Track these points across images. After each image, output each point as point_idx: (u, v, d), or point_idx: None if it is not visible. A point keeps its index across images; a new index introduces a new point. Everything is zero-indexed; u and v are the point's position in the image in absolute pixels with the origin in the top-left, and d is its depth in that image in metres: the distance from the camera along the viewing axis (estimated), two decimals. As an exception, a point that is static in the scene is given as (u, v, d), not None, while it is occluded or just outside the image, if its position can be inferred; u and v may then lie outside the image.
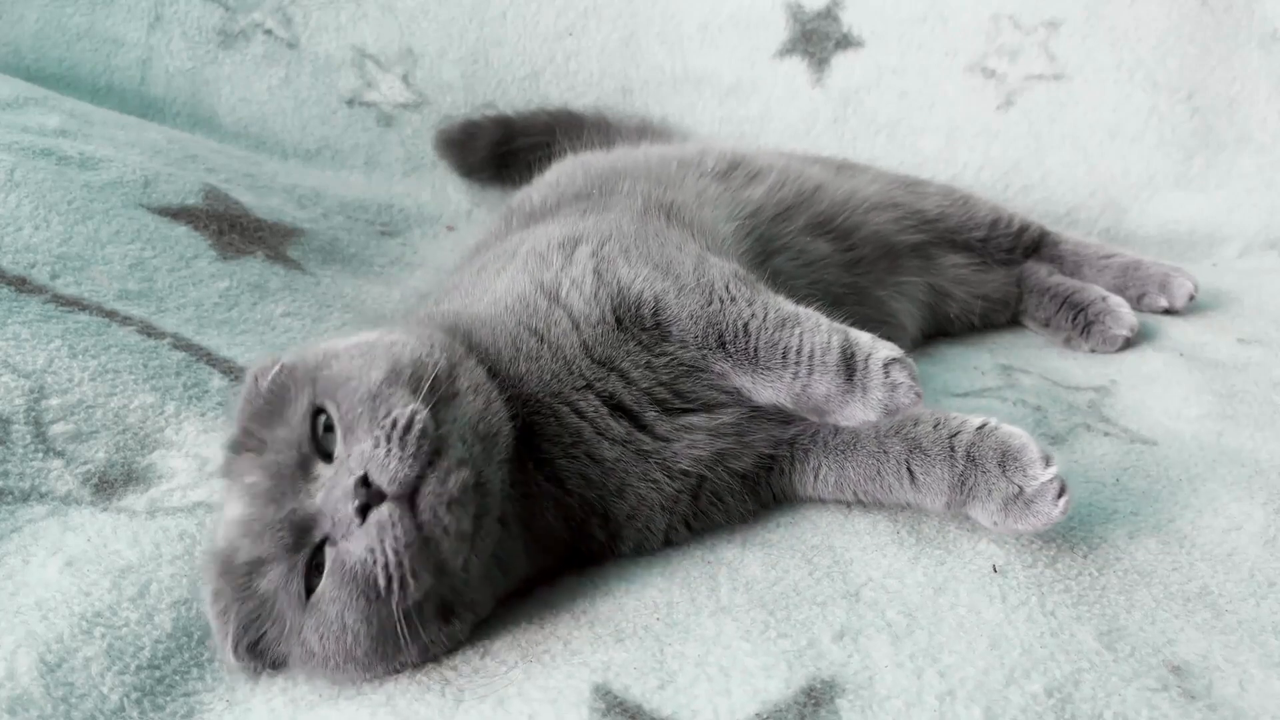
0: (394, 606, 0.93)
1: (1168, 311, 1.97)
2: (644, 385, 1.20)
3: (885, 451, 1.17)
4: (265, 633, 0.98)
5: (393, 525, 0.92)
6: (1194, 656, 0.95)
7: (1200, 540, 1.14)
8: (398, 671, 1.00)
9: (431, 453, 0.96)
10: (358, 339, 1.13)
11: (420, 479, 0.94)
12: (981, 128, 2.55)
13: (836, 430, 1.21)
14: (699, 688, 0.92)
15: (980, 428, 1.13)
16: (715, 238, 1.45)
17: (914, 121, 2.59)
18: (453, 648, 1.02)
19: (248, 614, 0.98)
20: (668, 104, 2.68)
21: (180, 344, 1.47)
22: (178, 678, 1.00)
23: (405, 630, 0.94)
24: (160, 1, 2.63)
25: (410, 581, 0.93)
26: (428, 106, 2.67)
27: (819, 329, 1.19)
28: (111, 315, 1.45)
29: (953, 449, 1.12)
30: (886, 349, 1.16)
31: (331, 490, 0.96)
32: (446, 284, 1.52)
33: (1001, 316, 2.00)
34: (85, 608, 1.02)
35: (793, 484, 1.25)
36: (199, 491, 1.24)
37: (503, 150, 2.46)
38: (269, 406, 1.06)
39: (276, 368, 1.10)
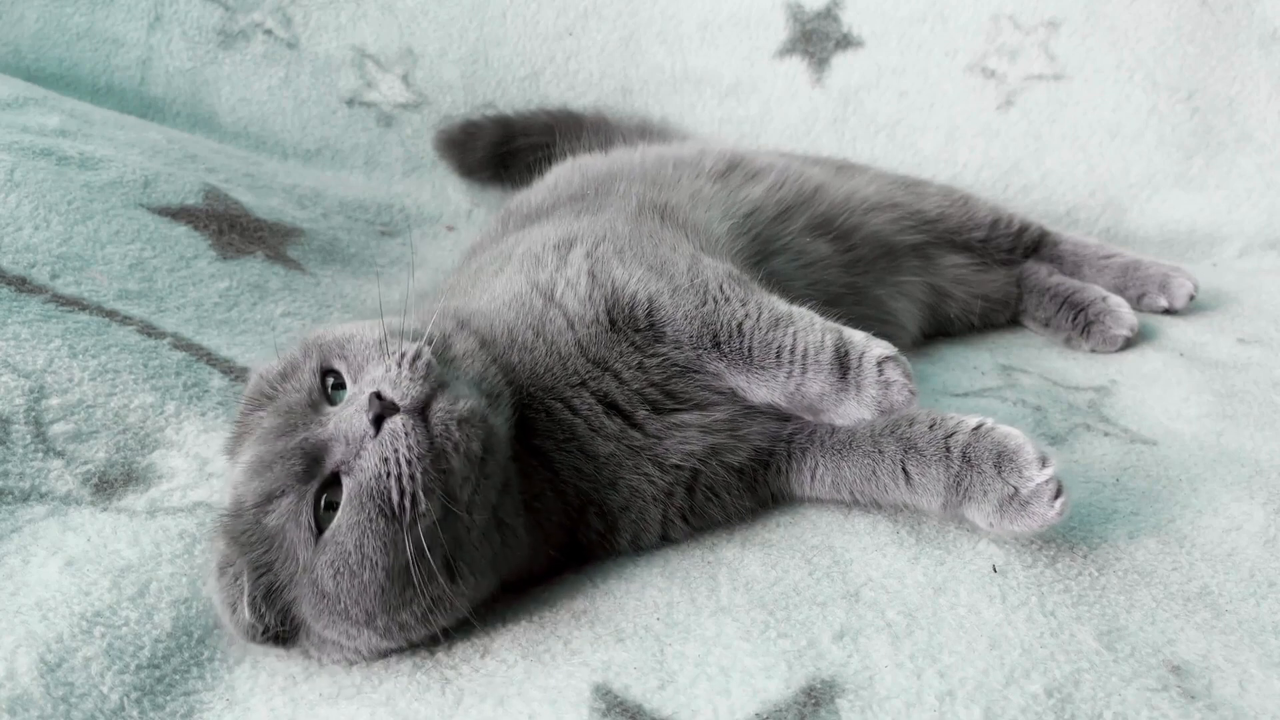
0: (406, 530, 0.94)
1: (1168, 311, 1.97)
2: (635, 386, 1.20)
3: (880, 451, 1.16)
4: (277, 576, 0.99)
5: (406, 434, 0.95)
6: (1194, 656, 0.95)
7: (1200, 540, 1.14)
8: (400, 635, 1.00)
9: (438, 382, 1.01)
10: (356, 321, 1.17)
11: (431, 397, 0.99)
12: (981, 128, 2.55)
13: (833, 430, 1.21)
14: (699, 688, 0.92)
15: (976, 428, 1.12)
16: (709, 238, 1.46)
17: (914, 121, 2.59)
18: (452, 622, 1.03)
19: (258, 559, 0.99)
20: (668, 104, 2.68)
21: (180, 344, 1.47)
22: (178, 677, 1.00)
23: (417, 567, 0.95)
24: (160, 1, 2.63)
25: (422, 499, 0.95)
26: (428, 106, 2.67)
27: (813, 328, 1.19)
28: (111, 315, 1.45)
29: (948, 449, 1.12)
30: (880, 347, 1.17)
31: (343, 412, 0.99)
32: (443, 285, 1.52)
33: (1001, 316, 2.00)
34: (85, 607, 1.02)
35: (789, 483, 1.25)
36: (199, 491, 1.24)
37: (502, 150, 2.46)
38: (281, 375, 1.10)
39: (283, 359, 1.13)
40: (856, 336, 1.19)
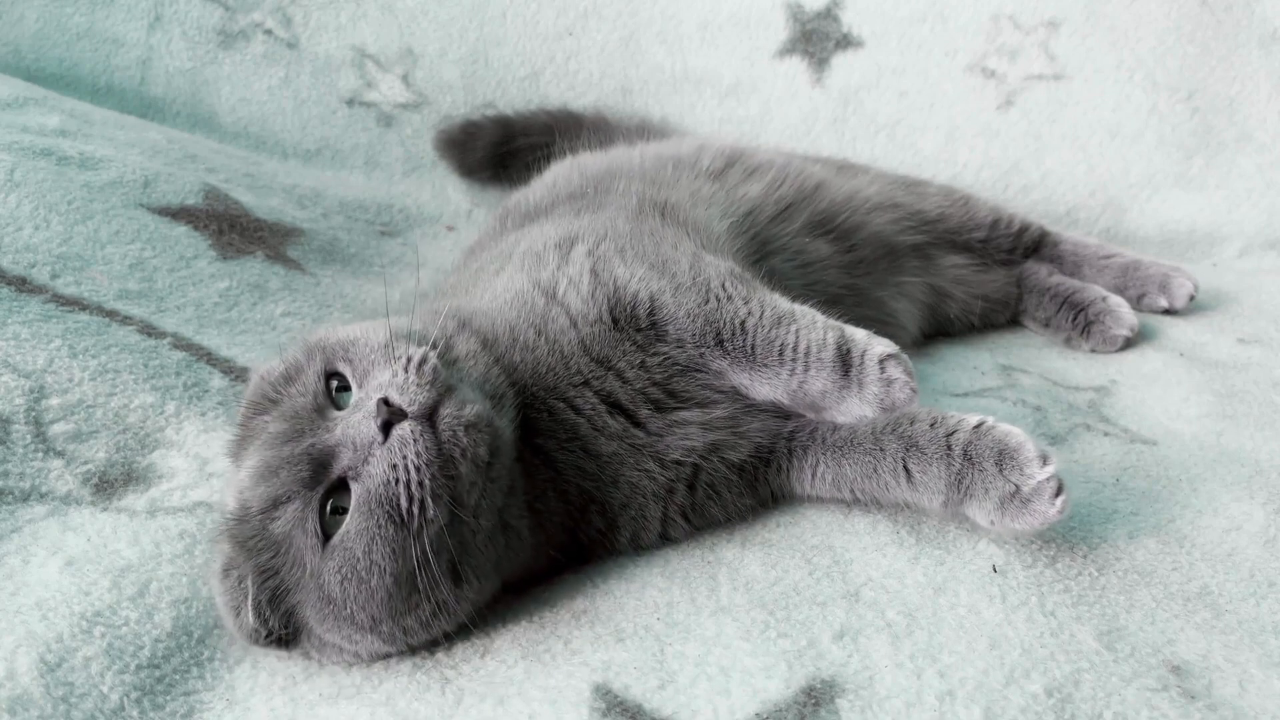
0: (414, 536, 0.94)
1: (1168, 311, 1.97)
2: (638, 385, 1.20)
3: (882, 449, 1.16)
4: (282, 580, 0.99)
5: (414, 440, 0.95)
6: (1194, 656, 0.95)
7: (1200, 540, 1.14)
8: (404, 639, 1.00)
9: (445, 386, 1.00)
10: (358, 323, 1.17)
11: (438, 403, 0.98)
12: (981, 128, 2.55)
13: (834, 428, 1.21)
14: (699, 687, 0.92)
15: (977, 426, 1.12)
16: (710, 236, 1.46)
17: (914, 121, 2.59)
18: (454, 625, 1.03)
19: (264, 564, 0.99)
20: (668, 104, 2.68)
21: (180, 344, 1.47)
22: (178, 677, 1.00)
23: (424, 573, 0.95)
24: (160, 1, 2.63)
25: (430, 505, 0.95)
26: (428, 106, 2.67)
27: (815, 325, 1.20)
28: (111, 315, 1.45)
29: (949, 447, 1.12)
30: (882, 345, 1.17)
31: (351, 418, 0.99)
32: (443, 284, 1.52)
33: (1001, 316, 2.00)
34: (85, 607, 1.02)
35: (790, 482, 1.25)
36: (199, 491, 1.24)
37: (502, 150, 2.46)
38: (283, 378, 1.09)
39: (284, 360, 1.12)
40: (859, 334, 1.19)
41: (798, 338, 1.19)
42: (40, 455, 1.23)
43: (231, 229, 1.83)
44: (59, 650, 0.97)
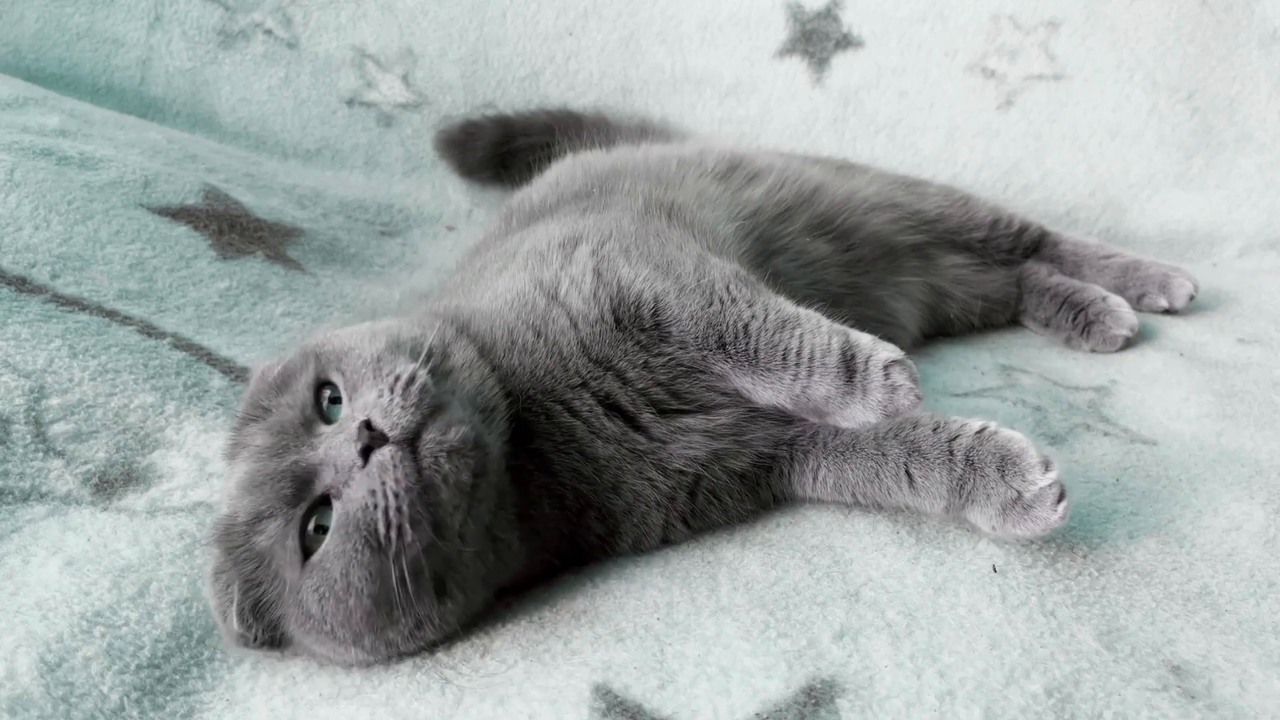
0: (392, 561, 0.93)
1: (1168, 311, 1.97)
2: (640, 386, 1.20)
3: (884, 454, 1.16)
4: (264, 593, 0.99)
5: (394, 467, 0.94)
6: (1194, 656, 0.95)
7: (1200, 540, 1.14)
8: (387, 651, 1.00)
9: (432, 407, 0.99)
10: (357, 326, 1.16)
11: (422, 427, 0.97)
12: (981, 128, 2.55)
13: (836, 432, 1.21)
14: (699, 687, 0.92)
15: (980, 431, 1.12)
16: (716, 238, 1.45)
17: (914, 121, 2.59)
18: (442, 636, 1.03)
19: (248, 574, 0.99)
20: (668, 104, 2.68)
21: (180, 344, 1.47)
22: (178, 677, 1.00)
23: (401, 592, 0.94)
24: (160, 1, 2.63)
25: (409, 531, 0.94)
26: (428, 106, 2.67)
27: (819, 330, 1.19)
28: (111, 315, 1.45)
29: (951, 452, 1.12)
30: (887, 351, 1.16)
31: (334, 438, 0.98)
32: (446, 284, 1.52)
33: (1001, 316, 2.00)
34: (85, 607, 1.02)
35: (792, 485, 1.25)
36: (199, 491, 1.24)
37: (503, 150, 2.46)
38: (277, 386, 1.09)
39: (283, 361, 1.12)
40: (863, 339, 1.18)
41: (802, 342, 1.18)
42: (40, 455, 1.23)
43: (231, 229, 1.83)
44: (59, 650, 0.97)
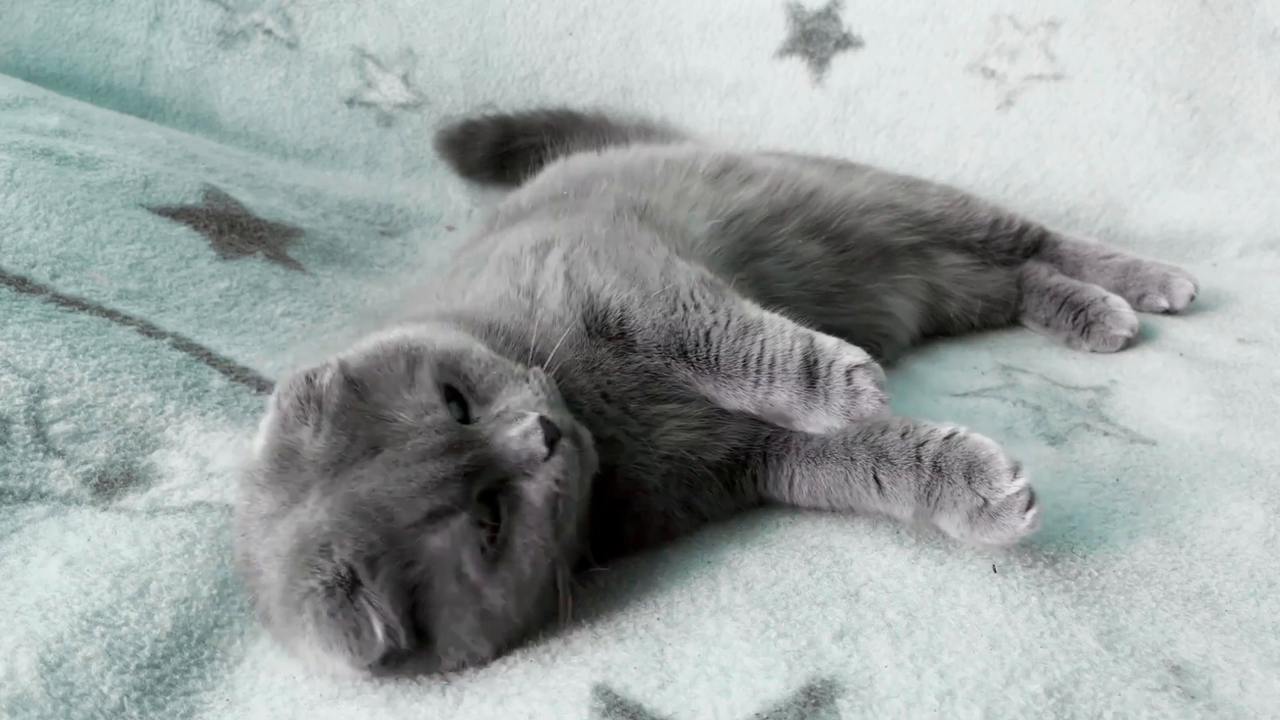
0: (562, 548, 0.99)
1: (1168, 311, 1.97)
2: (623, 387, 1.21)
3: (853, 459, 1.16)
4: (428, 596, 0.91)
5: (570, 456, 0.99)
6: (1194, 656, 0.95)
7: (1200, 540, 1.14)
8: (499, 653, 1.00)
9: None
10: (392, 334, 1.08)
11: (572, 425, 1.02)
12: (981, 128, 2.55)
13: (808, 437, 1.21)
14: (699, 687, 0.93)
15: (949, 437, 1.11)
16: (687, 239, 1.45)
17: (914, 121, 2.59)
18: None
19: (411, 578, 0.91)
20: (668, 104, 2.68)
21: (180, 344, 1.47)
22: (178, 677, 1.00)
23: (553, 581, 0.99)
24: (160, 1, 2.63)
25: (572, 516, 1.00)
26: (428, 106, 2.67)
27: (782, 335, 1.19)
28: (111, 315, 1.45)
29: (919, 458, 1.11)
30: (851, 355, 1.15)
31: (507, 431, 0.98)
32: (427, 285, 1.51)
33: (1001, 316, 2.00)
34: (85, 607, 1.02)
35: (769, 490, 1.25)
36: (199, 491, 1.24)
37: (502, 150, 2.46)
38: (368, 388, 0.99)
39: (330, 373, 1.00)
40: (828, 344, 1.17)
41: (763, 348, 1.17)
42: (40, 455, 1.23)
43: (231, 229, 1.83)
44: (59, 650, 0.97)
